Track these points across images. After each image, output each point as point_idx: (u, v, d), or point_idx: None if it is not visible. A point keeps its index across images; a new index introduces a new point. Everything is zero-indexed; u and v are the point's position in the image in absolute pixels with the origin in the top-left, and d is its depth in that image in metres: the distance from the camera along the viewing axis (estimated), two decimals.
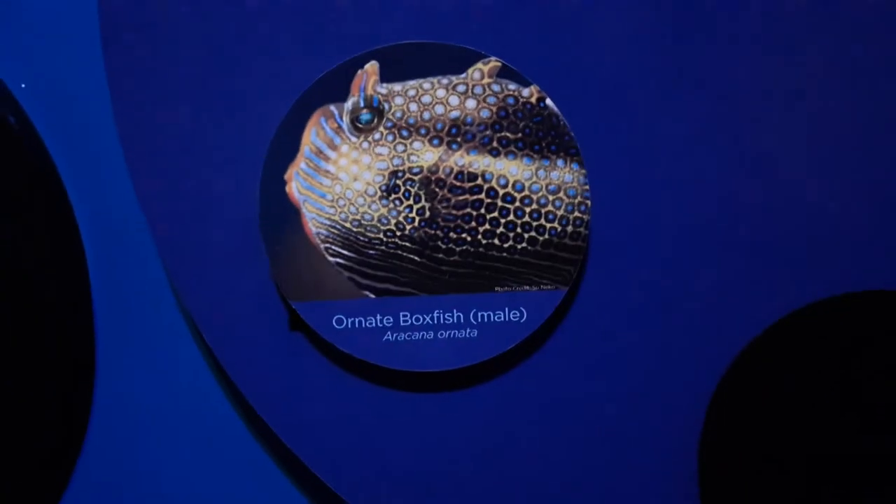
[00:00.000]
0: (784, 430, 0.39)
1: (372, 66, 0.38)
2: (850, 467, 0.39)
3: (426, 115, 0.38)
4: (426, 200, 0.38)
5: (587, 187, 0.38)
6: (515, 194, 0.38)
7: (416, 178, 0.38)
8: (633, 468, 0.40)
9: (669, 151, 0.40)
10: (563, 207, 0.38)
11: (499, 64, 0.38)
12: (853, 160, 0.40)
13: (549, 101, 0.38)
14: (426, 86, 0.38)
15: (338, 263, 0.38)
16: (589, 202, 0.38)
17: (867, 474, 0.39)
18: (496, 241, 0.38)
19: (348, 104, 0.38)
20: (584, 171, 0.38)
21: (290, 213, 0.38)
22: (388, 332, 0.38)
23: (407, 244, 0.38)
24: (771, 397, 0.39)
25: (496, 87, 0.38)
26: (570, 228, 0.38)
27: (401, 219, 0.38)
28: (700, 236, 0.40)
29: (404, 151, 0.38)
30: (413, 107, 0.38)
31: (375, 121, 0.38)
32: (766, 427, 0.39)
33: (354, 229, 0.38)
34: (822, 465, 0.39)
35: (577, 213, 0.38)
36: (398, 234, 0.38)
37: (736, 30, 0.40)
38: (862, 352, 0.40)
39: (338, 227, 0.38)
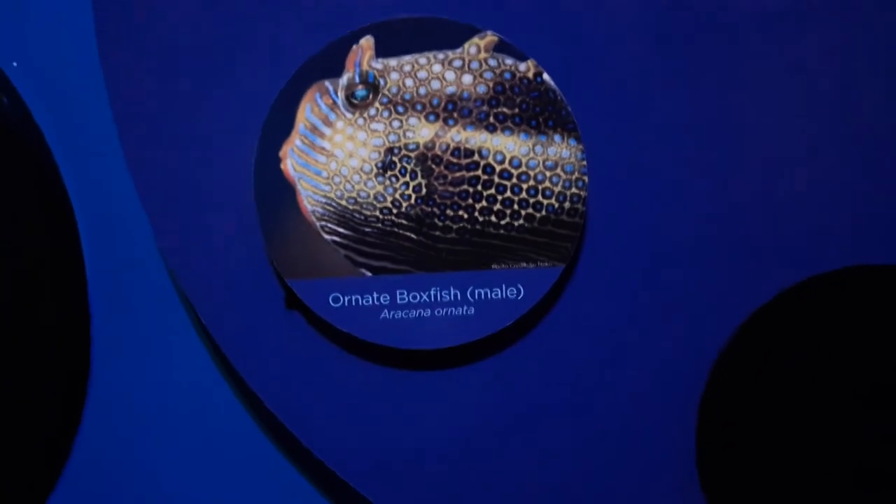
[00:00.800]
0: (782, 406, 0.39)
1: (367, 42, 0.38)
2: (849, 451, 0.39)
3: (422, 91, 0.38)
4: (422, 177, 0.38)
5: (584, 163, 0.38)
6: (512, 170, 0.38)
7: (412, 154, 0.38)
8: (630, 443, 0.40)
9: (667, 127, 0.40)
10: (560, 184, 0.38)
11: (495, 38, 0.38)
12: (848, 151, 0.40)
13: (546, 76, 0.38)
14: (422, 61, 0.38)
15: (334, 241, 0.38)
16: (586, 178, 0.38)
17: (866, 458, 0.39)
18: (493, 218, 0.38)
19: (343, 80, 0.38)
20: (581, 146, 0.38)
21: (285, 191, 0.38)
22: (385, 310, 0.38)
23: (403, 221, 0.38)
24: (770, 370, 0.39)
25: (493, 62, 0.38)
26: (567, 205, 0.38)
27: (397, 196, 0.38)
28: (698, 211, 0.40)
29: (400, 128, 0.38)
30: (409, 82, 0.38)
31: (371, 97, 0.38)
32: (765, 400, 0.39)
33: (350, 207, 0.38)
34: (820, 448, 0.39)
35: (574, 190, 0.38)
36: (394, 211, 0.38)
37: (736, 16, 0.40)
38: (861, 329, 0.39)
39: (333, 204, 0.38)
